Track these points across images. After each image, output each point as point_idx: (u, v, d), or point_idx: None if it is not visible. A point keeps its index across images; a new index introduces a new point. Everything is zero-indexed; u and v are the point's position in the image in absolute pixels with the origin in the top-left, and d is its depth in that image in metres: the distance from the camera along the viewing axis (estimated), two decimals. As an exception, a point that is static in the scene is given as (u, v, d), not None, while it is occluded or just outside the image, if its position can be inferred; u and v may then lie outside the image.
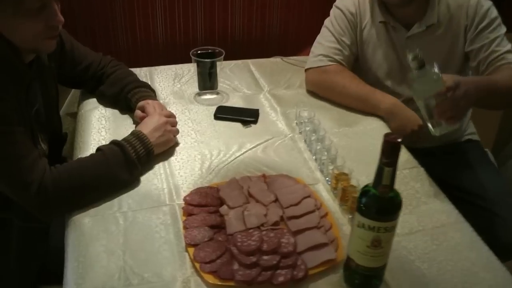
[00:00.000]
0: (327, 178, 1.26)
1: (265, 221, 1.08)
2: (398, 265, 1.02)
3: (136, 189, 1.19)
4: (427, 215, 1.17)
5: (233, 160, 1.31)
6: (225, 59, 1.55)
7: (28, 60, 1.18)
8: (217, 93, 1.63)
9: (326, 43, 1.62)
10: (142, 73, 1.74)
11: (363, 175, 1.26)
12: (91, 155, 1.18)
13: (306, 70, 1.67)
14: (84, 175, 1.13)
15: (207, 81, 1.57)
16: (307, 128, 1.39)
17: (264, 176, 1.23)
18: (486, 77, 1.39)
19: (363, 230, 0.89)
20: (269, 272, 0.96)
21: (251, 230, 1.05)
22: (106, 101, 1.51)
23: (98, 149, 1.19)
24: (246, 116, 1.50)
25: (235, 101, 1.61)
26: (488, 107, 1.48)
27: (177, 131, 1.36)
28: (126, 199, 1.16)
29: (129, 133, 1.26)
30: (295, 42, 2.23)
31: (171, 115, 1.37)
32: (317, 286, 0.98)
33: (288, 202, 1.13)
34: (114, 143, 1.20)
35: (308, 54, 1.68)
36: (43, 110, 1.27)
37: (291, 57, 1.91)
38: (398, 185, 0.88)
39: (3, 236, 1.22)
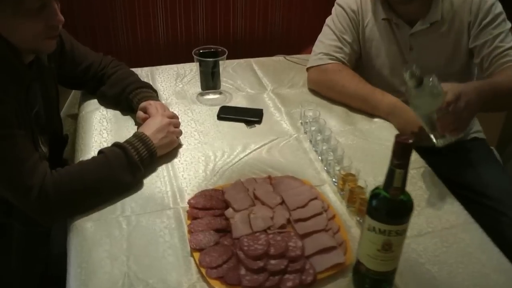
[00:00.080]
0: (333, 179, 1.24)
1: (272, 224, 1.06)
2: (408, 268, 1.00)
3: (139, 192, 1.17)
4: (436, 216, 1.14)
5: (237, 161, 1.29)
6: (227, 58, 1.52)
7: (28, 61, 1.16)
8: (220, 93, 1.60)
9: (327, 41, 1.60)
10: (143, 73, 1.71)
11: (370, 175, 1.24)
12: (93, 157, 1.16)
13: (307, 69, 1.65)
14: (85, 179, 1.10)
15: (210, 81, 1.55)
16: (312, 128, 1.37)
17: (269, 177, 1.21)
18: (488, 81, 1.36)
19: (374, 233, 0.87)
20: (277, 277, 0.94)
21: (257, 234, 1.03)
22: (107, 102, 1.48)
23: (100, 152, 1.16)
24: (250, 116, 1.47)
25: (238, 101, 1.58)
26: (493, 111, 1.46)
27: (180, 132, 1.34)
28: (129, 203, 1.13)
29: (131, 134, 1.24)
30: (298, 41, 2.21)
31: (174, 116, 1.35)
32: (326, 291, 0.95)
33: (294, 204, 1.11)
34: (116, 145, 1.17)
35: (311, 53, 1.66)
36: (43, 112, 1.25)
37: (294, 56, 1.89)
38: (406, 186, 0.86)
39: (4, 240, 1.20)
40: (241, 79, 1.72)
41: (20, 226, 1.20)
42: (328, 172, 1.27)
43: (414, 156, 1.33)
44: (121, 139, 1.22)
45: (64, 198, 1.07)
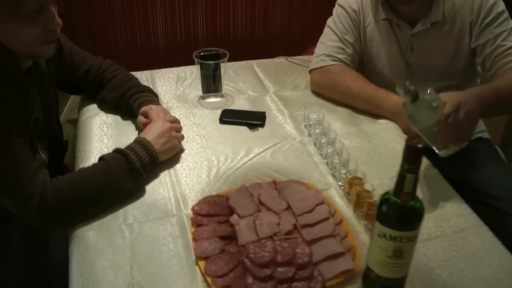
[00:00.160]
0: (339, 183, 1.21)
1: (278, 230, 1.04)
2: (418, 274, 0.98)
3: (141, 199, 1.14)
4: (444, 220, 1.12)
5: (241, 166, 1.27)
6: (228, 60, 1.50)
7: (26, 67, 1.14)
8: (222, 96, 1.58)
9: (328, 43, 1.58)
10: (143, 76, 1.69)
11: (377, 178, 1.23)
12: (94, 164, 1.13)
13: (310, 71, 1.63)
14: (86, 186, 1.08)
15: (211, 84, 1.52)
16: (317, 131, 1.35)
17: (274, 182, 1.19)
18: (489, 87, 1.33)
19: (384, 240, 0.85)
20: (285, 285, 0.92)
21: (263, 240, 1.01)
22: (107, 107, 1.46)
23: (101, 158, 1.14)
24: (253, 120, 1.45)
25: (240, 104, 1.56)
26: (496, 115, 1.43)
27: (182, 137, 1.32)
28: (132, 210, 1.11)
29: (132, 140, 1.21)
30: (299, 41, 2.19)
31: (176, 121, 1.33)
32: (335, 299, 0.93)
33: (301, 210, 1.09)
34: (117, 151, 1.15)
35: (312, 54, 1.64)
36: (42, 118, 1.22)
37: (295, 57, 1.87)
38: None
39: (2, 250, 1.18)
40: (242, 81, 1.70)
41: (19, 235, 1.17)
42: (333, 175, 1.24)
43: (421, 158, 1.31)
44: (122, 144, 1.20)
45: (64, 207, 1.04)
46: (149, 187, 1.18)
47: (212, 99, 1.57)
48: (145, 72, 1.73)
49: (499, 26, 1.41)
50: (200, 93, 1.57)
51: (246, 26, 2.11)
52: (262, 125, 1.44)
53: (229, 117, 1.46)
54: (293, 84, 1.69)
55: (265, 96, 1.61)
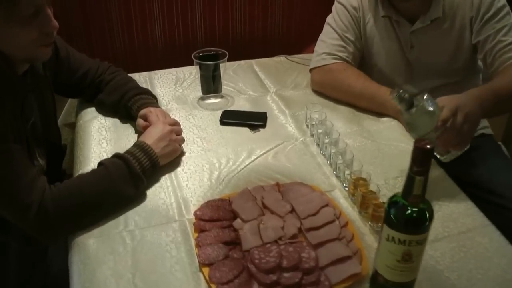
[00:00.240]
0: (344, 184, 1.19)
1: (283, 234, 1.02)
2: (426, 276, 0.96)
3: (142, 205, 1.12)
4: (451, 220, 1.10)
5: (243, 168, 1.24)
6: (228, 59, 1.48)
7: (22, 71, 1.11)
8: (222, 97, 1.56)
9: (329, 41, 1.56)
10: (141, 78, 1.67)
11: (381, 178, 1.21)
12: (93, 170, 1.11)
13: (310, 70, 1.61)
14: (86, 193, 1.06)
15: (211, 85, 1.50)
16: (319, 131, 1.32)
17: (277, 184, 1.16)
18: (488, 86, 1.29)
19: (393, 244, 0.83)
20: (291, 291, 0.90)
21: (268, 245, 0.99)
22: (106, 110, 1.43)
23: (100, 164, 1.12)
24: (254, 120, 1.43)
25: (241, 104, 1.53)
26: (497, 115, 1.41)
27: (183, 140, 1.29)
28: (132, 216, 1.09)
29: (132, 143, 1.19)
30: (299, 39, 2.16)
31: (176, 123, 1.30)
32: (342, 304, 0.91)
33: (305, 212, 1.07)
34: (116, 156, 1.13)
35: (312, 52, 1.62)
36: (40, 123, 1.20)
37: (295, 56, 1.85)
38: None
39: (1, 260, 1.16)
40: (242, 81, 1.67)
41: (16, 245, 1.15)
42: (337, 176, 1.22)
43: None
44: (121, 148, 1.18)
45: (64, 214, 1.02)
46: (150, 192, 1.16)
47: (212, 100, 1.54)
48: (143, 73, 1.70)
49: (499, 21, 1.39)
50: (199, 94, 1.55)
51: (245, 24, 2.09)
52: (263, 126, 1.42)
53: (229, 118, 1.44)
54: (294, 83, 1.66)
55: (265, 96, 1.59)
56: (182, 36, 2.05)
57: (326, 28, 1.59)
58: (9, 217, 1.02)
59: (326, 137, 1.30)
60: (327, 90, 1.57)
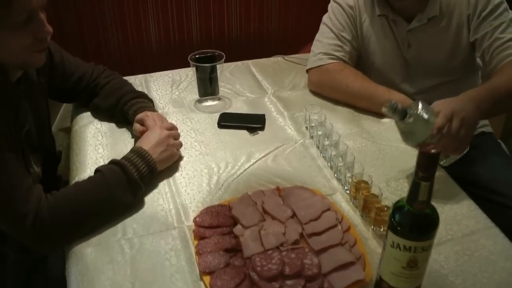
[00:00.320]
0: (345, 187, 1.18)
1: (285, 240, 1.00)
2: (431, 281, 0.94)
3: (140, 212, 1.10)
4: (454, 222, 1.09)
5: (242, 172, 1.22)
6: (224, 60, 1.45)
7: (15, 78, 1.09)
8: (219, 99, 1.53)
9: (325, 40, 1.54)
10: (137, 81, 1.64)
11: (383, 181, 1.20)
12: (90, 177, 1.09)
13: (307, 70, 1.59)
14: (83, 201, 1.03)
15: (208, 87, 1.48)
16: (319, 133, 1.31)
17: (278, 189, 1.15)
18: (485, 87, 1.27)
19: (398, 250, 0.81)
20: (295, 299, 0.88)
21: (270, 252, 0.97)
22: (101, 115, 1.41)
23: (97, 170, 1.09)
24: (252, 123, 1.41)
25: (238, 107, 1.51)
26: (496, 115, 1.40)
27: (181, 144, 1.27)
28: (131, 224, 1.07)
29: (129, 148, 1.17)
30: (295, 39, 2.15)
31: (173, 127, 1.28)
32: (347, 311, 0.90)
33: (307, 217, 1.05)
34: (113, 162, 1.10)
35: (309, 51, 1.60)
36: (35, 130, 1.17)
37: (292, 56, 1.83)
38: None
39: (-1, 270, 1.14)
40: (239, 83, 1.65)
41: (14, 254, 1.13)
42: (338, 179, 1.20)
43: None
44: (118, 154, 1.16)
45: (61, 223, 1.00)
46: (148, 199, 1.14)
47: (209, 103, 1.52)
48: (139, 76, 1.68)
49: (497, 18, 1.37)
50: (196, 96, 1.53)
51: (241, 24, 2.07)
52: (262, 128, 1.40)
53: (227, 121, 1.42)
54: (292, 84, 1.64)
55: (263, 97, 1.57)
56: (178, 36, 2.03)
57: (322, 27, 1.57)
58: (4, 228, 1.00)
59: (326, 139, 1.29)
60: (325, 90, 1.55)
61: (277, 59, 1.82)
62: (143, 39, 2.00)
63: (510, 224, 1.31)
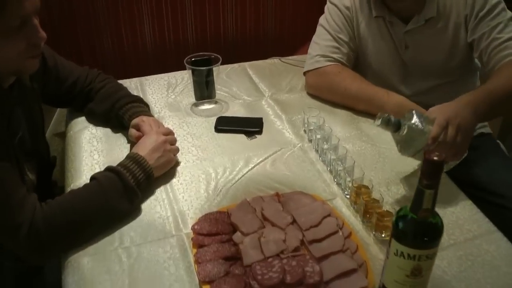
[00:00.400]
0: (345, 192, 1.16)
1: (285, 248, 0.98)
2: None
3: (137, 220, 1.08)
4: (456, 226, 1.08)
5: (240, 177, 1.20)
6: (220, 62, 1.43)
7: (8, 84, 1.06)
8: (216, 102, 1.51)
9: (322, 42, 1.52)
10: (132, 84, 1.62)
11: (383, 185, 1.18)
12: (85, 185, 1.07)
13: (304, 73, 1.57)
14: (78, 209, 1.01)
15: (204, 90, 1.46)
16: (318, 136, 1.29)
17: (277, 194, 1.13)
18: (482, 90, 1.25)
19: (402, 259, 0.80)
20: (296, 309, 0.87)
21: (270, 259, 0.95)
22: (97, 120, 1.38)
23: (92, 178, 1.07)
24: (250, 127, 1.39)
25: (235, 110, 1.49)
26: (494, 118, 1.38)
27: (177, 150, 1.25)
28: (128, 232, 1.04)
29: (125, 154, 1.15)
30: (292, 41, 2.13)
31: (170, 132, 1.26)
32: (350, 320, 0.88)
33: (307, 224, 1.03)
34: (109, 169, 1.08)
35: (306, 53, 1.58)
36: (28, 137, 1.15)
37: (289, 57, 1.81)
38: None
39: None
40: (236, 85, 1.63)
41: (10, 263, 1.10)
42: (338, 184, 1.19)
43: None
44: (114, 160, 1.14)
45: (56, 232, 0.98)
46: (145, 206, 1.11)
47: (206, 106, 1.50)
48: (134, 79, 1.66)
49: (494, 18, 1.36)
50: (192, 100, 1.51)
51: (236, 26, 2.05)
52: (260, 132, 1.38)
53: (224, 125, 1.40)
54: (289, 86, 1.63)
55: (260, 100, 1.55)
56: (173, 37, 2.01)
57: (319, 29, 1.56)
58: (-1, 239, 0.97)
59: (325, 142, 1.27)
60: (323, 93, 1.53)
61: (274, 61, 1.80)
62: (137, 40, 1.97)
63: (510, 225, 1.31)
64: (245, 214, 1.06)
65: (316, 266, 0.94)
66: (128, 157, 1.13)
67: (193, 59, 1.42)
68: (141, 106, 1.34)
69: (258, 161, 1.26)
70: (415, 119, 1.07)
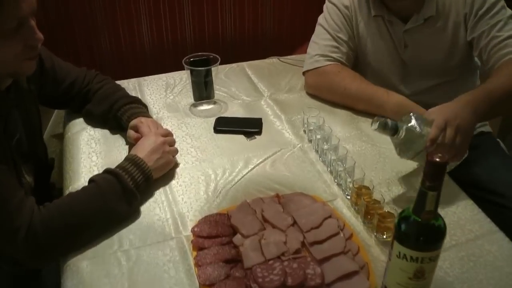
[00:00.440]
0: (346, 193, 1.15)
1: (286, 250, 0.97)
2: (437, 290, 0.92)
3: (136, 222, 1.07)
4: (458, 227, 1.07)
5: (240, 179, 1.19)
6: (219, 62, 1.42)
7: (5, 87, 1.05)
8: (214, 103, 1.50)
9: (321, 42, 1.51)
10: (130, 85, 1.61)
11: (384, 185, 1.18)
12: (83, 188, 1.05)
13: (304, 73, 1.56)
14: (77, 212, 1.00)
15: (203, 91, 1.45)
16: (318, 137, 1.28)
17: (277, 196, 1.12)
18: (482, 89, 1.23)
19: (404, 261, 0.79)
20: (298, 312, 0.86)
21: (271, 262, 0.94)
22: (95, 121, 1.37)
23: (91, 180, 1.06)
24: (249, 127, 1.38)
25: (234, 110, 1.48)
26: (494, 117, 1.37)
27: (176, 151, 1.24)
28: (127, 235, 1.03)
29: (123, 156, 1.15)
30: (290, 39, 2.12)
31: (168, 134, 1.25)
32: (352, 323, 0.87)
33: (308, 225, 1.02)
34: (108, 171, 1.07)
35: (305, 52, 1.57)
36: (25, 139, 1.14)
37: (288, 57, 1.80)
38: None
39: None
40: (235, 85, 1.62)
41: (8, 267, 1.09)
42: (339, 184, 1.18)
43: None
44: (112, 162, 1.13)
45: (54, 236, 0.97)
46: (144, 208, 1.10)
47: (205, 107, 1.49)
48: (132, 80, 1.65)
49: (493, 16, 1.35)
50: (191, 100, 1.50)
51: (235, 24, 2.04)
52: (259, 133, 1.37)
53: (224, 125, 1.39)
54: (288, 86, 1.62)
55: (260, 100, 1.54)
56: (171, 37, 2.00)
57: (318, 29, 1.55)
58: (-4, 243, 0.96)
59: (324, 143, 1.26)
60: (322, 93, 1.52)
61: (273, 61, 1.79)
62: (135, 40, 1.96)
63: (510, 224, 1.30)
64: (245, 215, 1.05)
65: (317, 268, 0.93)
66: (126, 159, 1.12)
67: (191, 59, 1.41)
68: (139, 107, 1.33)
69: (258, 162, 1.25)
70: (413, 122, 1.07)
